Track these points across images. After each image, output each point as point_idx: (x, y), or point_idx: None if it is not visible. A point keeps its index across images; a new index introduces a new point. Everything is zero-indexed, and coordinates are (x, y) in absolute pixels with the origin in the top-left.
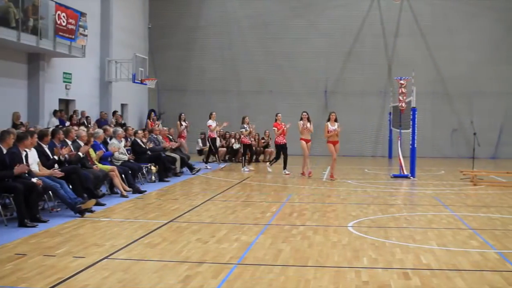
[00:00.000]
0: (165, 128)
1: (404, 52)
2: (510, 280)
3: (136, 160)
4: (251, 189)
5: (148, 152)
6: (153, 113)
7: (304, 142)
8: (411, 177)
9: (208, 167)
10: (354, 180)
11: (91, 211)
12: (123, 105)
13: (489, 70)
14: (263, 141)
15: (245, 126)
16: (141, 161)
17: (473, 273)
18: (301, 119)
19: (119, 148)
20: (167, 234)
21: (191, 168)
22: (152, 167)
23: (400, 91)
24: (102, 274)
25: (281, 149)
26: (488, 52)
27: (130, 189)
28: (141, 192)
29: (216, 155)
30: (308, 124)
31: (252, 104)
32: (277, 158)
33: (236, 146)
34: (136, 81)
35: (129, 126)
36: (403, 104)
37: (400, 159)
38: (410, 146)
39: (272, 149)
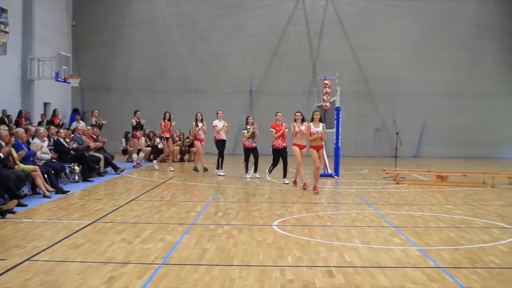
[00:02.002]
0: (88, 128)
1: (328, 52)
2: (431, 276)
3: (59, 159)
4: (176, 188)
5: (72, 152)
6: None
7: (297, 148)
8: (335, 176)
9: (221, 173)
10: (279, 179)
11: (13, 212)
12: (45, 104)
13: (411, 71)
14: (187, 140)
15: (248, 127)
16: (64, 160)
17: (396, 270)
18: (295, 120)
19: (42, 147)
20: (91, 235)
21: (115, 167)
22: (76, 167)
23: (324, 91)
24: (24, 276)
25: (280, 154)
26: (410, 53)
27: (53, 189)
28: (64, 192)
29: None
30: (303, 127)
31: (177, 103)
32: (274, 164)
33: (161, 145)
34: (59, 79)
35: (52, 125)
36: (327, 104)
37: (324, 158)
38: (334, 146)
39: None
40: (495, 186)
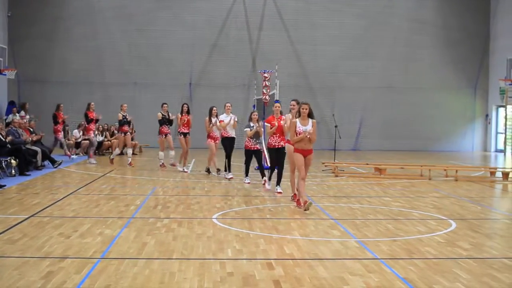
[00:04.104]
0: (25, 120)
1: (268, 45)
2: (369, 267)
3: None
4: (115, 182)
5: (8, 145)
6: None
7: (292, 147)
8: (276, 168)
9: (228, 176)
10: (219, 172)
11: None
12: None
13: (349, 64)
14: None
15: (252, 124)
16: (0, 154)
17: (334, 261)
18: (290, 111)
19: None
20: (28, 230)
21: (53, 161)
22: (12, 161)
23: (263, 84)
24: None
25: (276, 154)
26: (349, 47)
27: None
28: (0, 186)
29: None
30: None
31: (116, 96)
32: (271, 167)
33: (100, 138)
34: None
35: None
36: (267, 97)
37: (263, 151)
38: None
39: (136, 141)
40: (432, 178)
